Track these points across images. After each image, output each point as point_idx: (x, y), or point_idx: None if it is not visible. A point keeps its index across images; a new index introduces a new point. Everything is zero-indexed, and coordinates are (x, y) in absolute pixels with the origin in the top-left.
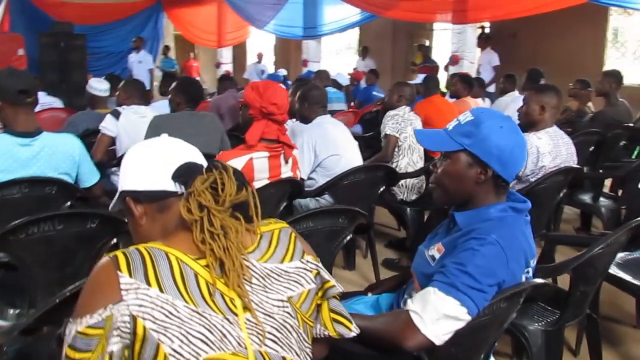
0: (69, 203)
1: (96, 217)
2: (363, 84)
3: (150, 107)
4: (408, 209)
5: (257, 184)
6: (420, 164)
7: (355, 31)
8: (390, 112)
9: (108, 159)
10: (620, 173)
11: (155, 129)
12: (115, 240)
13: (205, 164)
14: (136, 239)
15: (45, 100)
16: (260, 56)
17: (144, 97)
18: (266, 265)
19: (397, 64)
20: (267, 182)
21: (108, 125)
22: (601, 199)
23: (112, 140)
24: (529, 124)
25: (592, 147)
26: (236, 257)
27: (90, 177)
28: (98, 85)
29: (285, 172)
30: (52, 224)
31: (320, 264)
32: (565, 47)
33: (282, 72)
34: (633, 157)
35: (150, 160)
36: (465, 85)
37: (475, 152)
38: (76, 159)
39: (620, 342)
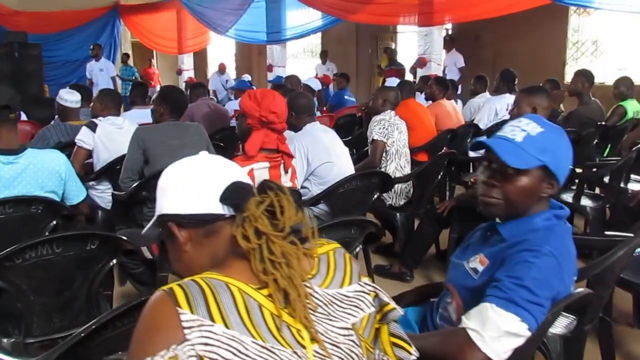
0: (54, 222)
1: (96, 238)
2: (331, 87)
3: (126, 118)
4: (398, 215)
5: None
6: (408, 169)
7: (318, 35)
8: (377, 117)
9: (85, 172)
10: (605, 172)
11: (138, 141)
12: (114, 261)
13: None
14: (179, 267)
15: None
16: (222, 67)
17: (120, 108)
18: (328, 292)
19: (362, 68)
20: None
21: (84, 138)
22: (582, 197)
23: (89, 154)
24: None
25: None
26: (300, 286)
27: (77, 194)
28: (69, 97)
29: (285, 182)
30: (50, 247)
31: (377, 286)
32: (528, 47)
33: (247, 77)
34: (604, 155)
35: (194, 180)
36: (440, 87)
37: (553, 168)
38: (63, 176)
39: (618, 342)
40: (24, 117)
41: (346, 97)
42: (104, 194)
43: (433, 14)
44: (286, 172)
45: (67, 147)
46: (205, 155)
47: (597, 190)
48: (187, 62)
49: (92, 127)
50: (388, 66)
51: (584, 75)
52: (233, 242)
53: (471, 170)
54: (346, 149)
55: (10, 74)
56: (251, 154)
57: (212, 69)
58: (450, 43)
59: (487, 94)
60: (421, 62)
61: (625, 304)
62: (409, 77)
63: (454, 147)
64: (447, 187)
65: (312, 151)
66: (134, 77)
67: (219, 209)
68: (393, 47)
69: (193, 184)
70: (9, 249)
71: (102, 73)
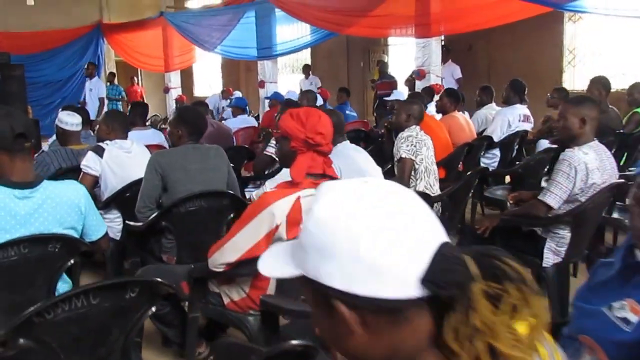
0: (72, 261)
1: (136, 285)
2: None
3: (134, 141)
4: None
5: None
6: (437, 187)
7: (306, 50)
8: (403, 134)
9: None
10: None
11: (156, 167)
12: (153, 308)
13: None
14: (341, 348)
15: None
16: (229, 92)
17: (127, 130)
18: None
19: (354, 82)
20: None
21: (91, 164)
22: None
23: (96, 180)
24: (568, 138)
25: None
26: None
27: (97, 229)
28: (69, 119)
29: None
30: (86, 299)
31: None
32: (523, 56)
33: (238, 94)
34: (621, 163)
35: (380, 241)
36: (452, 99)
37: None
38: (82, 210)
39: None
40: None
41: (347, 112)
42: (112, 224)
43: (430, 25)
44: None
45: (69, 173)
46: (386, 186)
47: None
48: (175, 79)
49: (99, 151)
50: (380, 79)
51: (600, 83)
52: (433, 336)
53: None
54: (379, 169)
55: None
56: (297, 181)
57: (198, 86)
58: (446, 54)
59: (493, 104)
60: (420, 74)
61: None
62: (403, 89)
63: (468, 161)
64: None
65: (346, 172)
66: (120, 97)
67: (416, 290)
68: (386, 59)
69: (379, 249)
70: (39, 305)
71: (91, 93)
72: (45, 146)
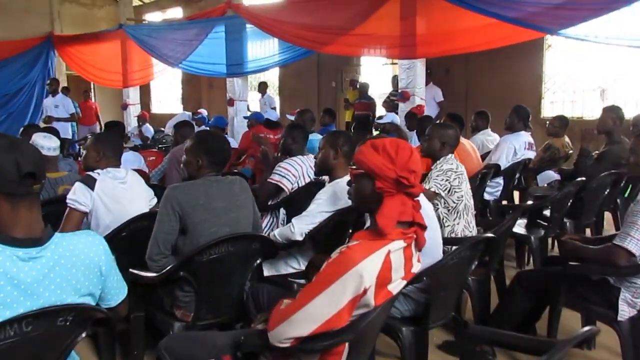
0: (84, 334)
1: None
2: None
3: (128, 169)
4: (470, 279)
5: (394, 288)
6: (474, 223)
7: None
8: (442, 166)
9: None
10: None
11: (173, 205)
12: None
13: None
14: None
15: None
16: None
17: (121, 156)
18: None
19: (324, 102)
20: (403, 283)
21: (80, 198)
22: None
23: (84, 217)
24: None
25: (608, 190)
26: None
27: (117, 292)
28: (45, 143)
29: (415, 265)
30: None
31: None
32: (501, 81)
33: (204, 112)
34: (625, 195)
35: None
36: (456, 124)
37: None
38: (103, 271)
39: None
40: None
41: None
42: None
43: (416, 47)
44: (419, 250)
45: (46, 205)
46: None
47: None
48: (133, 95)
49: (90, 182)
50: (358, 99)
51: (614, 112)
52: None
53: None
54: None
55: None
56: (387, 231)
57: (156, 102)
58: (428, 76)
59: (489, 130)
60: (404, 96)
61: None
62: (381, 111)
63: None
64: None
65: None
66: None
67: None
68: (359, 79)
69: None
70: None
71: (58, 110)
72: None
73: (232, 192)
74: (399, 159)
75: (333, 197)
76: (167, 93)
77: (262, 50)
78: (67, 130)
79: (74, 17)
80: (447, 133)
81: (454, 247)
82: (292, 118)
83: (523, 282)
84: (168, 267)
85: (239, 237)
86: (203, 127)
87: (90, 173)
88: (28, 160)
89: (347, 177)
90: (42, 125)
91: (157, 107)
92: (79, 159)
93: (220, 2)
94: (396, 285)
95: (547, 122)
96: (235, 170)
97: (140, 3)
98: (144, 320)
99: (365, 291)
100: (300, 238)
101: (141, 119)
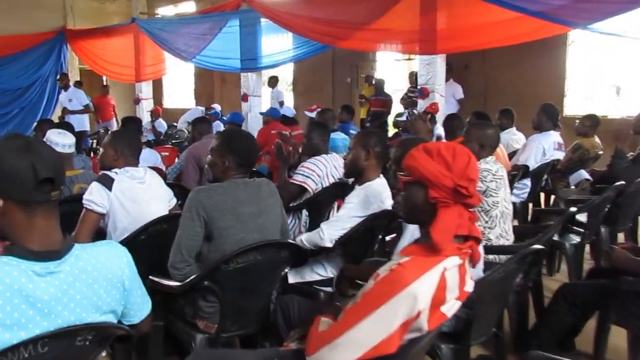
0: (104, 353)
1: None
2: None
3: (146, 168)
4: None
5: (448, 310)
6: (511, 232)
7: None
8: (479, 166)
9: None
10: None
11: (198, 209)
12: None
13: None
14: None
15: None
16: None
17: (139, 154)
18: None
19: (339, 98)
20: (457, 305)
21: (96, 199)
22: None
23: (100, 219)
24: None
25: None
26: None
27: (140, 307)
28: (61, 139)
29: (469, 283)
30: None
31: None
32: (522, 77)
33: (217, 107)
34: None
35: None
36: None
37: None
38: (126, 285)
39: None
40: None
41: (351, 131)
42: None
43: (436, 42)
44: (473, 266)
45: (61, 205)
46: None
47: None
48: (146, 90)
49: (107, 182)
50: (374, 96)
51: None
52: None
53: None
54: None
55: None
56: (443, 246)
57: (168, 97)
58: (448, 72)
59: (514, 129)
60: (423, 93)
61: None
62: (398, 108)
63: None
64: None
65: None
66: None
67: None
68: (375, 75)
69: None
70: None
71: (72, 104)
72: None
73: (260, 196)
74: (456, 165)
75: (365, 201)
76: (179, 87)
77: (276, 45)
78: (82, 123)
79: (86, 11)
80: (486, 134)
81: (490, 256)
82: (311, 115)
83: (568, 295)
84: (192, 277)
85: (268, 244)
86: (217, 123)
87: (108, 172)
88: (46, 163)
89: (379, 180)
90: (55, 119)
91: (169, 102)
92: (92, 155)
93: None
94: (450, 306)
95: (577, 121)
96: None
97: None
98: (163, 330)
99: (418, 314)
100: (330, 245)
101: (154, 114)
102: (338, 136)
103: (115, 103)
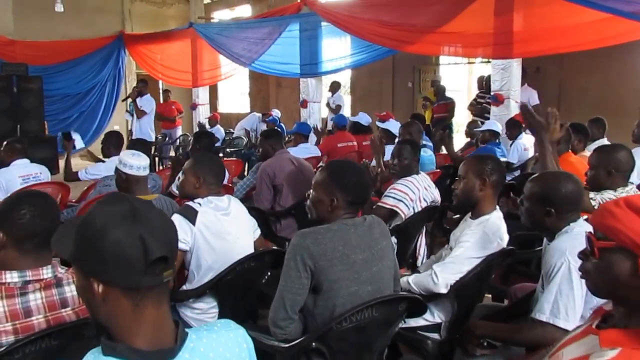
0: None
1: None
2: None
3: (230, 197)
4: None
5: None
6: None
7: None
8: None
9: (175, 286)
10: None
11: (304, 258)
12: None
13: None
14: None
15: (28, 170)
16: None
17: (223, 182)
18: None
19: (400, 103)
20: None
21: (180, 234)
22: None
23: (184, 256)
24: None
25: None
26: None
27: None
28: (135, 162)
29: None
30: None
31: None
32: (599, 81)
33: (276, 113)
34: None
35: None
36: (581, 136)
37: None
38: None
39: None
40: (47, 176)
41: (423, 141)
42: (205, 315)
43: (513, 45)
44: None
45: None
46: None
47: None
48: (203, 95)
49: (190, 215)
50: (436, 102)
51: None
52: None
53: None
54: None
55: (9, 110)
56: None
57: (223, 101)
58: (523, 77)
59: (605, 139)
60: (497, 99)
61: None
62: (463, 114)
63: None
64: None
65: None
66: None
67: None
68: (440, 79)
69: None
70: None
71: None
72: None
73: (372, 239)
74: None
75: (483, 239)
76: (234, 91)
77: (338, 49)
78: (148, 132)
79: (144, 16)
80: (616, 158)
81: None
82: (382, 125)
83: None
84: (299, 339)
85: (387, 300)
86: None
87: (191, 203)
88: (158, 236)
89: (497, 213)
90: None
91: (224, 106)
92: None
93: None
94: None
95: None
96: None
97: (209, 1)
98: None
99: None
100: (445, 290)
101: (212, 121)
102: (425, 153)
103: (181, 108)
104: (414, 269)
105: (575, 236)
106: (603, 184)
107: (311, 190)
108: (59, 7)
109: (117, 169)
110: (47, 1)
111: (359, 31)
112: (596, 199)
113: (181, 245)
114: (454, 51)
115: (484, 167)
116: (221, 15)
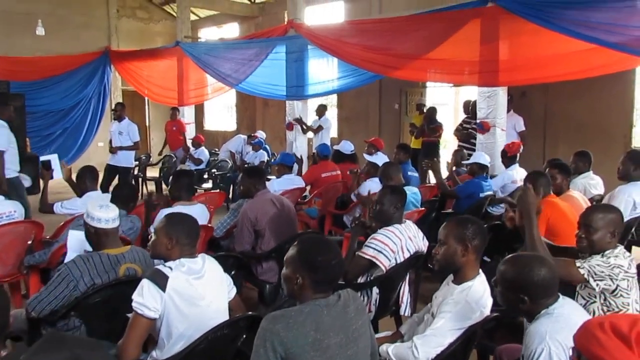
0: None
1: None
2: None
3: (204, 256)
4: None
5: None
6: None
7: None
8: (610, 260)
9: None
10: None
11: (274, 345)
12: None
13: None
14: None
15: (2, 209)
16: (256, 148)
17: (197, 241)
18: None
19: (386, 125)
20: None
21: (148, 302)
22: None
23: (152, 324)
24: None
25: None
26: None
27: None
28: (103, 214)
29: None
30: None
31: None
32: (585, 107)
33: (261, 134)
34: None
35: None
36: (564, 174)
37: None
38: None
39: None
40: (21, 213)
41: (409, 172)
42: None
43: (499, 73)
44: None
45: (103, 290)
46: None
47: None
48: (189, 114)
49: (160, 281)
50: (426, 125)
51: None
52: None
53: None
54: None
55: None
56: None
57: (209, 120)
58: (508, 104)
59: (590, 173)
60: (483, 127)
61: None
62: (450, 138)
63: None
64: None
65: None
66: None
67: None
68: (425, 102)
69: None
70: None
71: (122, 137)
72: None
73: (347, 320)
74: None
75: (465, 309)
76: (220, 108)
77: (324, 72)
78: (129, 159)
79: (130, 32)
80: (615, 220)
81: None
82: (370, 158)
83: None
84: None
85: None
86: (261, 152)
87: (161, 267)
88: None
89: (480, 277)
90: (101, 147)
91: (209, 124)
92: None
93: (277, 19)
94: None
95: None
96: (301, 211)
97: (197, 18)
98: None
99: None
100: None
101: (195, 143)
102: (409, 191)
103: (185, 127)
104: (397, 317)
105: (556, 319)
106: (604, 245)
107: (284, 268)
108: (40, 31)
109: (85, 222)
110: (30, 18)
111: (346, 55)
112: (584, 266)
113: (149, 314)
114: (440, 77)
115: (465, 232)
116: (208, 32)
